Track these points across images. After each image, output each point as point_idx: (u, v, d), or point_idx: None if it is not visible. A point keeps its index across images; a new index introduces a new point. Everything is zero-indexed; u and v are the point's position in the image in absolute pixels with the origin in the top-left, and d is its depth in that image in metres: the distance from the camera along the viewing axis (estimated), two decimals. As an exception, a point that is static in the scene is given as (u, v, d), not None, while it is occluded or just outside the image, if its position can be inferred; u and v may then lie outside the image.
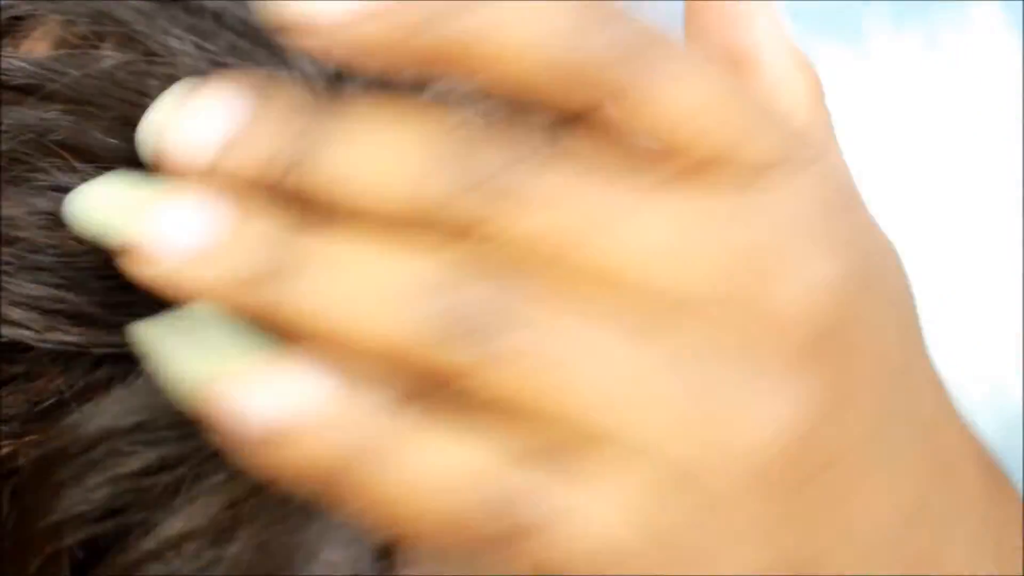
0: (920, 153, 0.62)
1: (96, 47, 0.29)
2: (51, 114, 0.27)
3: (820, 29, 0.64)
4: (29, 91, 0.27)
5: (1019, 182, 0.60)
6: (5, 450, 0.25)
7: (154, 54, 0.28)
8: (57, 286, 0.25)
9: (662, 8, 0.64)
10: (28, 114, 0.27)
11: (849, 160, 0.37)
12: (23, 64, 0.28)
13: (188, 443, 0.24)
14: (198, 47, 0.28)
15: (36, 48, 0.30)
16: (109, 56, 0.28)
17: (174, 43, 0.28)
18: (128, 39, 0.28)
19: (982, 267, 0.61)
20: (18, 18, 0.30)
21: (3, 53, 0.29)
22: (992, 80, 0.63)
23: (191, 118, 0.22)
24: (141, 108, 0.26)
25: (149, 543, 0.24)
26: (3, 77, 0.27)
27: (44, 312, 0.25)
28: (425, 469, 0.20)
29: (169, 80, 0.27)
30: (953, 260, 0.61)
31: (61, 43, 0.29)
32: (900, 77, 0.63)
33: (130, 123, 0.26)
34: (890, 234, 0.29)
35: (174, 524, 0.24)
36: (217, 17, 0.29)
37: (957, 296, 0.60)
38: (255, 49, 0.28)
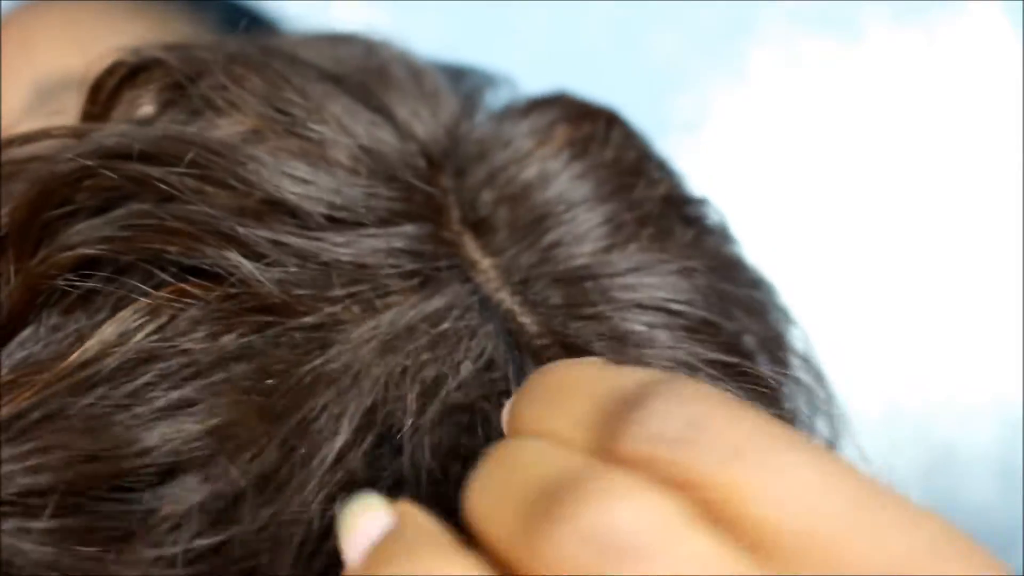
0: (919, 151, 0.62)
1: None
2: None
3: (819, 26, 0.64)
4: (156, 161, 0.27)
5: (1019, 182, 0.60)
6: None
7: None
8: None
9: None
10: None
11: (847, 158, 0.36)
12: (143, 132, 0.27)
13: None
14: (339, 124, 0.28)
15: (138, 101, 0.29)
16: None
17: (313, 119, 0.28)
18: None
19: (982, 267, 0.60)
20: (137, 69, 0.29)
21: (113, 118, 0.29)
22: (992, 79, 0.63)
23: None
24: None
25: None
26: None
27: None
28: None
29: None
30: (953, 260, 0.61)
31: (165, 98, 0.29)
32: (899, 74, 0.63)
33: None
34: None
35: None
36: (337, 81, 0.30)
37: (957, 296, 0.60)
38: (366, 112, 0.29)
